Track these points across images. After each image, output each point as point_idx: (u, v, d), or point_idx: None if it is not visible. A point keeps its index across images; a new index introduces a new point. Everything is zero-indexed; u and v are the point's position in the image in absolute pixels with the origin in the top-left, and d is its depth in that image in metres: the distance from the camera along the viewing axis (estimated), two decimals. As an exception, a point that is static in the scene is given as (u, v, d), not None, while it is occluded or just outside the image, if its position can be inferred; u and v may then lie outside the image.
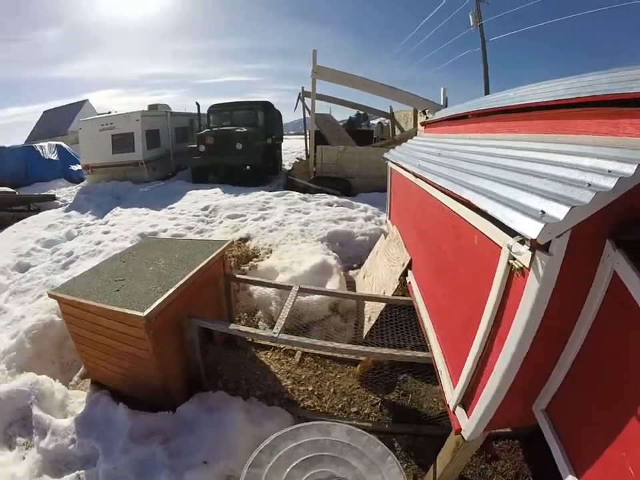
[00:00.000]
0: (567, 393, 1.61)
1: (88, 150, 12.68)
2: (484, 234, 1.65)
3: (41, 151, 15.12)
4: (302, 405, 3.05)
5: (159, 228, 6.63)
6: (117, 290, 2.78)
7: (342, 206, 7.17)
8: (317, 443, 1.84)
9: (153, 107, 14.17)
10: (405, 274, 3.21)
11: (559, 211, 1.22)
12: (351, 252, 5.31)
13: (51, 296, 2.92)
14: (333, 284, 4.15)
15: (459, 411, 1.87)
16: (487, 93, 18.13)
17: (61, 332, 3.70)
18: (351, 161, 9.55)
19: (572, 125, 1.89)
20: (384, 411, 3.00)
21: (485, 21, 18.09)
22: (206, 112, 12.87)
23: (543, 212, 1.27)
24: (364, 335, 3.45)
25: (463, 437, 1.82)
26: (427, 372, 3.02)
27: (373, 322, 3.38)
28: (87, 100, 35.09)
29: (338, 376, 3.36)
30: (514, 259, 1.41)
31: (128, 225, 7.18)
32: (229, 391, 3.05)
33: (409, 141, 4.77)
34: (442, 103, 11.79)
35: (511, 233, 1.40)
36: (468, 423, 1.77)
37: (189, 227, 6.68)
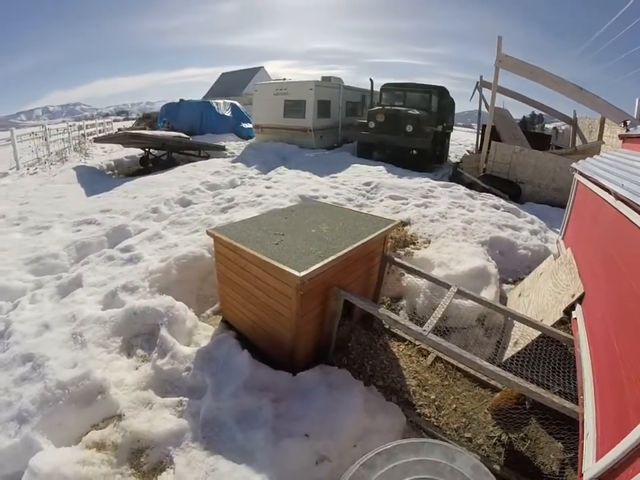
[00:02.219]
0: None
1: (260, 111, 13.79)
2: None
3: (216, 106, 16.81)
4: (419, 411, 2.88)
5: (320, 193, 6.82)
6: (276, 243, 2.85)
7: (508, 212, 6.58)
8: (438, 466, 1.66)
9: (326, 79, 14.65)
10: (572, 307, 2.77)
11: None
12: (510, 264, 4.84)
13: (209, 233, 3.11)
14: (489, 294, 3.82)
15: (589, 473, 1.58)
16: None
17: (207, 267, 4.00)
18: (525, 164, 8.70)
19: None
20: (497, 448, 2.67)
21: None
22: (378, 90, 12.88)
23: None
24: (504, 359, 3.11)
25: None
26: (555, 422, 2.55)
27: (519, 348, 3.02)
28: (263, 67, 37.99)
29: (464, 393, 3.09)
30: None
31: (290, 184, 7.53)
32: (353, 371, 2.98)
33: (601, 154, 4.13)
34: (635, 116, 10.11)
35: None
36: None
37: (349, 199, 6.75)
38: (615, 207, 2.53)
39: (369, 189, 7.45)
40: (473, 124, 23.74)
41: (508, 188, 8.59)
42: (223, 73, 40.49)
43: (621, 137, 4.64)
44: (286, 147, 12.26)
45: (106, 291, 3.59)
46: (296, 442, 2.25)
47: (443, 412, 2.89)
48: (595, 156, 4.26)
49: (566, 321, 2.94)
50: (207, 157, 11.75)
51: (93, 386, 2.52)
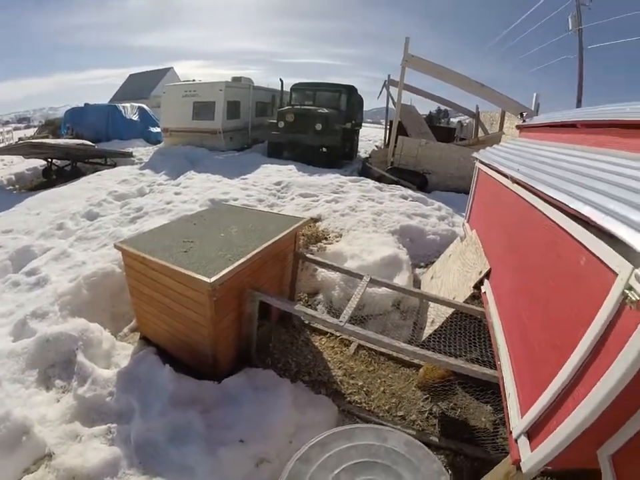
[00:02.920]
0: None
1: (169, 114, 13.25)
2: (596, 256, 1.45)
3: (123, 110, 16.12)
4: (349, 399, 2.95)
5: (231, 196, 6.71)
6: (185, 251, 2.78)
7: (416, 201, 6.92)
8: (372, 448, 1.72)
9: (236, 79, 14.43)
10: (480, 282, 3.00)
11: None
12: (420, 250, 5.11)
13: (116, 247, 2.96)
14: (402, 279, 4.00)
15: (522, 441, 1.69)
16: (579, 104, 17.01)
17: (119, 283, 3.78)
18: (430, 156, 9.23)
19: None
20: (430, 420, 2.83)
21: (584, 26, 16.90)
22: (289, 90, 12.93)
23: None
24: (423, 338, 3.29)
25: (519, 468, 1.66)
26: (479, 388, 2.84)
27: (436, 326, 3.21)
28: (172, 68, 36.73)
29: (390, 375, 3.23)
30: (631, 289, 1.21)
31: (200, 189, 7.35)
32: (278, 370, 3.00)
33: (501, 143, 4.49)
34: (533, 109, 11.14)
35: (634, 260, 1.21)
36: (530, 456, 1.59)
37: (260, 199, 6.73)
38: (512, 190, 2.75)
39: (279, 189, 7.49)
40: (381, 120, 24.65)
41: (415, 179, 9.04)
42: (130, 75, 38.33)
43: (518, 127, 5.03)
44: (195, 151, 11.92)
45: (15, 321, 3.30)
46: (232, 449, 2.23)
47: (372, 396, 2.99)
48: (494, 145, 4.56)
49: (478, 295, 3.13)
50: (114, 165, 11.17)
51: (15, 427, 2.29)
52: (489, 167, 3.64)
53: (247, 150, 13.11)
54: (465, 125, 17.43)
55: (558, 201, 1.86)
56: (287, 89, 13.23)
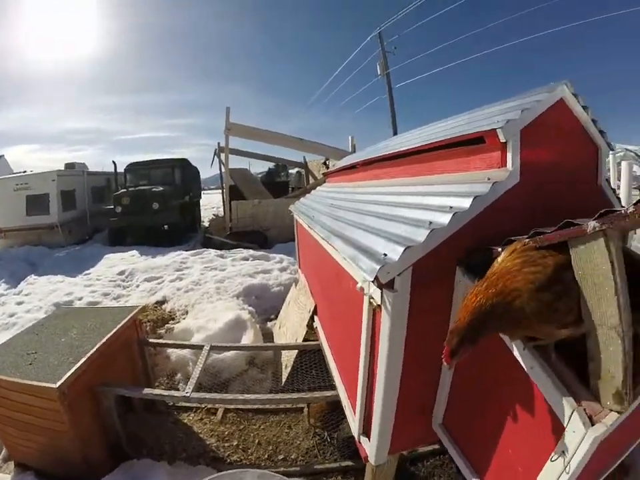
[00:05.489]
0: (455, 406, 1.78)
1: (1, 211, 11.77)
2: (354, 278, 1.84)
3: None
4: (228, 460, 3.06)
5: (75, 296, 6.40)
6: (30, 364, 2.72)
7: (258, 259, 7.33)
8: (228, 491, 1.87)
9: (69, 166, 13.68)
10: (312, 320, 3.36)
11: (396, 253, 1.43)
12: (268, 304, 5.43)
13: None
14: (248, 338, 4.25)
15: (363, 439, 1.99)
16: (395, 134, 19.79)
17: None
18: (265, 213, 9.81)
19: (434, 167, 2.16)
20: (313, 452, 3.06)
21: (391, 69, 20.00)
22: (123, 171, 12.70)
23: (386, 254, 1.48)
24: (282, 383, 3.54)
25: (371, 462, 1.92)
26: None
27: (289, 369, 3.48)
28: (3, 156, 32.85)
29: (262, 427, 3.40)
30: (372, 298, 1.60)
31: (42, 294, 6.84)
32: (154, 457, 2.99)
33: (312, 191, 4.99)
34: (350, 150, 12.45)
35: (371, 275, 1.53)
36: (370, 449, 1.88)
37: (106, 293, 6.51)
38: (311, 235, 3.17)
39: (124, 278, 7.34)
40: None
41: (255, 238, 9.47)
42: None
43: (323, 173, 5.67)
44: (33, 251, 10.72)
45: None
46: None
47: (250, 451, 3.14)
48: (307, 194, 5.01)
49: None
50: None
51: None
52: (299, 217, 4.08)
53: (88, 241, 12.35)
54: (303, 174, 18.59)
55: (326, 239, 2.29)
56: (121, 169, 12.96)
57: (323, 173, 5.72)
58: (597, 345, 1.08)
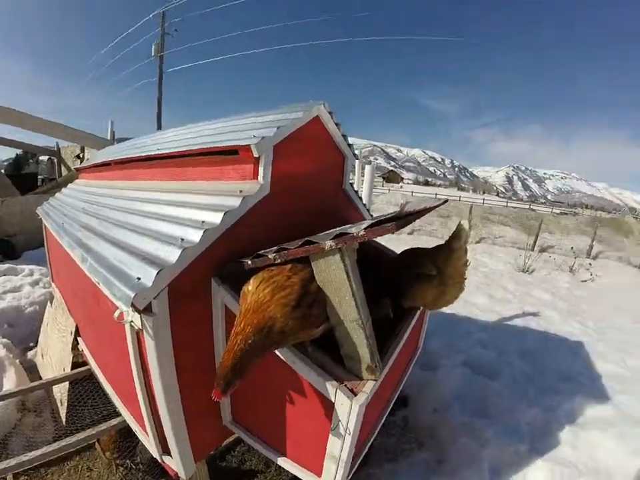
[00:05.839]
0: (240, 404, 1.86)
1: None
2: (113, 302, 1.68)
3: None
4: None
5: None
6: None
7: (5, 274, 5.87)
8: None
9: None
10: (76, 342, 2.94)
11: (149, 277, 1.34)
12: (25, 329, 4.43)
13: None
14: (10, 379, 3.37)
15: (166, 458, 1.90)
16: (159, 120, 19.56)
17: None
18: (12, 214, 7.78)
19: (190, 173, 2.15)
20: None
21: (167, 52, 19.30)
22: None
23: (139, 278, 1.38)
24: (64, 423, 3.02)
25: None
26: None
27: (65, 405, 2.99)
28: None
29: (60, 479, 2.82)
30: (132, 322, 1.49)
31: None
32: None
33: (64, 189, 4.31)
34: (109, 137, 11.21)
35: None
36: (176, 466, 1.83)
37: None
38: (64, 246, 2.75)
39: None
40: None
41: (-1, 249, 7.51)
42: None
43: (77, 169, 4.95)
44: None
45: None
46: None
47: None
48: (57, 193, 4.33)
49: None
50: None
51: None
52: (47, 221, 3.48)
53: None
54: (55, 162, 15.99)
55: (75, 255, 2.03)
56: None
57: (75, 168, 4.93)
58: (345, 335, 1.39)
